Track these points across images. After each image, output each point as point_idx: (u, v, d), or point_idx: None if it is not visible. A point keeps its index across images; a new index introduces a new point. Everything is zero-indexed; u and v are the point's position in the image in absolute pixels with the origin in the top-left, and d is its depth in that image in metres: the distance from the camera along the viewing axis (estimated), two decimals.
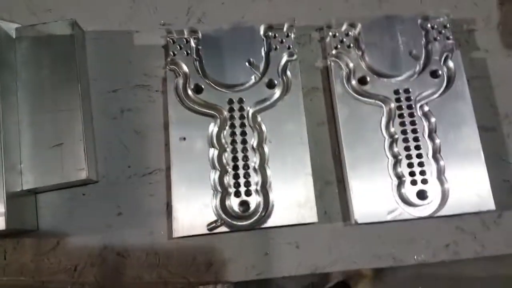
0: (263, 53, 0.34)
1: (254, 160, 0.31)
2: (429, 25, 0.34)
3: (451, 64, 0.33)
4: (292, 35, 0.34)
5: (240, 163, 0.31)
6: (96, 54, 0.35)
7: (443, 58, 0.33)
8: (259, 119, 0.32)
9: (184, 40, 0.34)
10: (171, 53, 0.33)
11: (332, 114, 0.34)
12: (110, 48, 0.35)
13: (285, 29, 0.34)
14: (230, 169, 0.31)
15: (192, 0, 0.36)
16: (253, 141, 0.32)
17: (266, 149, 0.32)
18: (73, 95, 0.32)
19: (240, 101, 0.33)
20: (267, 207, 0.31)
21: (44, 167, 0.31)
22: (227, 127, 0.32)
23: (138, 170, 0.33)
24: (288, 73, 0.33)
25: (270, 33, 0.34)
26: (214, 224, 0.30)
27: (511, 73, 0.35)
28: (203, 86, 0.33)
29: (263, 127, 0.32)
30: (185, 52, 0.33)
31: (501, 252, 0.32)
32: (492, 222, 0.32)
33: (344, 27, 0.34)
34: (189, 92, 0.33)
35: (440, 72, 0.33)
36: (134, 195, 0.32)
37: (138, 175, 0.33)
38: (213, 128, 0.32)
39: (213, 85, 0.33)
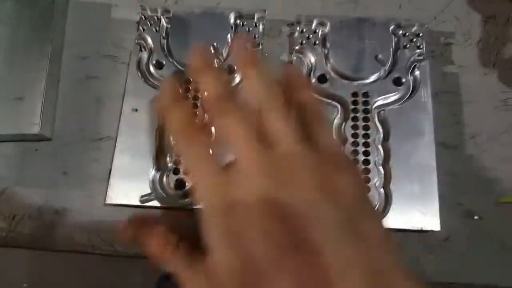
0: (229, 40, 0.34)
1: None
2: (401, 32, 0.33)
3: (417, 74, 0.32)
4: (261, 26, 0.34)
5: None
6: (75, 21, 0.36)
7: (410, 67, 0.32)
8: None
9: (155, 17, 0.35)
10: (141, 28, 0.34)
11: None
12: (89, 17, 0.36)
13: (255, 19, 0.34)
14: (172, 147, 0.31)
15: None
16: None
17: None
18: (43, 56, 0.34)
19: (188, 81, 0.33)
20: None
21: (2, 117, 0.33)
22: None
23: (90, 134, 0.34)
24: None
25: (239, 21, 0.34)
26: (147, 197, 0.30)
27: (485, 92, 0.33)
28: (164, 63, 0.34)
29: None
30: (154, 29, 0.34)
31: (445, 280, 0.30)
32: (437, 245, 0.30)
33: (313, 25, 0.34)
34: (151, 67, 0.34)
35: (404, 80, 0.32)
36: (82, 157, 0.33)
37: (89, 139, 0.33)
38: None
39: (175, 63, 0.34)
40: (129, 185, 0.30)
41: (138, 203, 0.30)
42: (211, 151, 0.20)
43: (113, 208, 0.31)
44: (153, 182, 0.30)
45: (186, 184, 0.30)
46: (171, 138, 0.31)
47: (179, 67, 0.33)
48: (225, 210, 0.18)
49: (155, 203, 0.30)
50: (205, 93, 0.21)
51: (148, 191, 0.30)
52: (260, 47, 0.34)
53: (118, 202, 0.30)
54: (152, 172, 0.31)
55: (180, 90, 0.32)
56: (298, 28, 0.34)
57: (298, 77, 0.25)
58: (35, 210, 0.32)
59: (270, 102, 0.20)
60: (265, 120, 0.20)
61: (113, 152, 0.32)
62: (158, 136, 0.31)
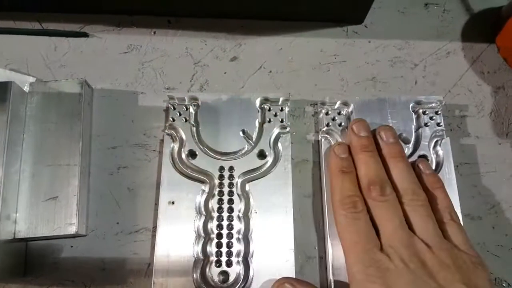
0: (257, 124, 0.35)
1: (238, 230, 0.32)
2: (420, 110, 0.35)
3: (440, 150, 0.34)
4: (286, 109, 0.36)
5: (225, 232, 0.32)
6: (101, 111, 0.37)
7: (432, 144, 0.34)
8: (247, 188, 0.33)
9: (184, 107, 0.35)
10: (171, 119, 0.35)
11: (319, 187, 0.34)
12: (115, 106, 0.37)
13: (280, 102, 0.36)
14: (214, 237, 0.32)
15: (197, 67, 0.38)
16: (240, 209, 0.33)
17: (251, 219, 0.32)
18: (73, 151, 0.34)
19: (231, 169, 0.34)
20: (246, 279, 0.31)
21: (37, 218, 0.32)
22: (215, 194, 0.33)
23: (125, 227, 0.34)
24: (279, 145, 0.35)
25: (265, 106, 0.36)
26: None
27: (501, 160, 0.35)
28: (197, 152, 0.34)
29: (251, 197, 0.33)
30: (184, 119, 0.35)
31: None
32: None
33: (337, 105, 0.36)
34: (183, 156, 0.34)
35: (429, 158, 0.34)
36: (119, 251, 0.33)
37: (125, 232, 0.34)
38: (202, 194, 0.33)
39: (207, 151, 0.34)
40: (173, 282, 0.31)
41: None
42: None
43: None
44: (196, 276, 0.31)
45: (229, 275, 0.31)
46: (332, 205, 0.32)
47: (211, 154, 0.34)
48: None
49: None
50: (362, 172, 0.30)
51: (192, 287, 0.31)
52: (287, 129, 0.35)
53: None
54: (194, 266, 0.31)
55: (214, 179, 0.33)
56: (323, 110, 0.35)
57: (434, 177, 0.31)
58: None
59: (416, 197, 0.29)
60: (410, 211, 0.28)
61: (152, 245, 0.32)
62: (197, 228, 0.32)
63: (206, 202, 0.33)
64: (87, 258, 0.33)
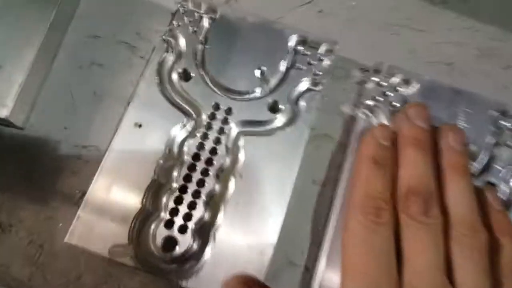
0: (282, 67, 0.26)
1: (209, 191, 0.23)
2: (506, 124, 0.25)
3: None
4: (327, 62, 0.26)
5: (192, 187, 0.23)
6: None
7: (510, 174, 0.24)
8: (240, 142, 0.25)
9: (197, 15, 0.27)
10: (174, 23, 0.26)
11: (336, 175, 0.25)
12: None
13: (321, 50, 0.27)
14: (176, 188, 0.23)
15: None
16: (221, 165, 0.24)
17: (231, 183, 0.24)
18: (43, 17, 0.26)
19: (228, 111, 0.25)
20: (198, 257, 0.22)
21: None
22: (197, 135, 0.24)
23: (73, 137, 0.26)
24: (302, 103, 0.25)
25: (300, 48, 0.26)
26: (121, 249, 0.22)
27: None
28: (192, 74, 0.26)
29: (241, 155, 0.24)
30: (191, 29, 0.26)
31: None
32: None
33: (395, 79, 0.26)
34: (174, 74, 0.26)
35: (498, 189, 0.24)
36: (54, 165, 0.25)
37: (70, 143, 0.25)
38: (181, 128, 0.24)
39: (205, 78, 0.26)
40: (103, 225, 0.22)
41: (106, 254, 0.22)
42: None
43: (74, 247, 0.23)
44: (133, 231, 0.23)
45: (178, 246, 0.23)
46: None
47: (210, 84, 0.25)
48: None
49: (128, 260, 0.22)
50: (403, 177, 0.20)
51: (125, 241, 0.22)
52: (319, 87, 0.26)
53: (81, 245, 0.22)
54: (137, 216, 0.23)
55: (203, 116, 0.25)
56: (374, 79, 0.26)
57: (505, 218, 0.22)
58: None
59: (472, 235, 0.19)
60: (458, 251, 0.19)
61: (96, 172, 0.24)
62: (159, 170, 0.23)
63: (183, 140, 0.24)
64: (14, 158, 0.25)
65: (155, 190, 0.23)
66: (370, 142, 0.22)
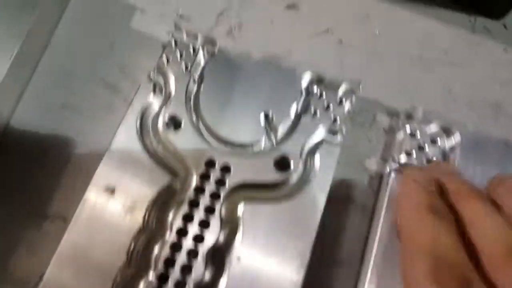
0: (293, 112, 0.21)
1: (196, 281, 0.18)
2: None
3: None
4: (347, 105, 0.22)
5: (174, 275, 0.18)
6: (75, 14, 0.24)
7: None
8: (239, 211, 0.20)
9: (192, 49, 0.22)
10: (164, 58, 0.22)
11: (360, 250, 0.20)
12: (97, 14, 0.24)
13: (340, 91, 0.22)
14: (151, 279, 0.18)
15: (233, 1, 0.25)
16: (213, 245, 0.19)
17: (226, 271, 0.18)
18: (3, 56, 0.21)
19: (225, 170, 0.20)
20: None
21: None
22: (183, 201, 0.19)
23: (34, 203, 0.21)
24: (318, 158, 0.21)
25: (315, 88, 0.22)
26: None
27: None
28: (182, 122, 0.21)
29: (240, 228, 0.19)
30: (184, 66, 0.22)
31: None
32: None
33: (432, 128, 0.21)
34: (160, 121, 0.21)
35: None
36: (5, 240, 0.20)
37: (29, 212, 0.21)
38: (164, 193, 0.20)
39: (199, 126, 0.21)
40: None
41: None
42: None
43: None
44: None
45: None
46: None
47: (204, 136, 0.21)
48: None
49: None
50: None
51: None
52: (339, 138, 0.21)
53: None
54: None
55: (193, 175, 0.20)
56: (407, 128, 0.21)
57: None
58: None
59: None
60: None
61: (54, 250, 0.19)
62: (133, 251, 0.18)
63: (165, 209, 0.19)
64: None
65: (127, 279, 0.18)
66: (414, 187, 0.16)
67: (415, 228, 0.15)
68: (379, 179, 0.21)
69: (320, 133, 0.21)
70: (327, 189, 0.20)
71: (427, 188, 0.16)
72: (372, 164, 0.21)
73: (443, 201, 0.16)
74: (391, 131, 0.22)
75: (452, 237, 0.14)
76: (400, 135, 0.21)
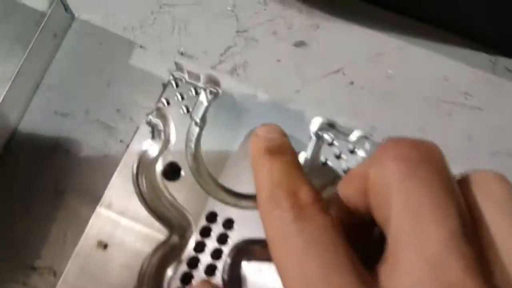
0: (302, 160, 0.20)
1: None
2: None
3: None
4: (361, 153, 0.20)
5: None
6: (71, 52, 0.23)
7: None
8: (244, 270, 0.18)
9: (193, 89, 0.21)
10: (163, 101, 0.21)
11: None
12: (94, 53, 0.23)
13: (353, 137, 0.20)
14: None
15: (239, 37, 0.24)
16: None
17: None
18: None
19: (228, 223, 0.18)
20: None
21: None
22: (182, 261, 0.18)
23: (22, 254, 0.19)
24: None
25: (326, 134, 0.20)
26: None
27: None
28: (182, 171, 0.19)
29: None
30: (185, 108, 0.20)
31: None
32: None
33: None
34: (157, 169, 0.19)
35: None
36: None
37: (16, 263, 0.19)
38: (158, 249, 0.18)
39: (200, 175, 0.19)
40: None
41: None
42: None
43: None
44: None
45: None
46: None
47: (206, 184, 0.19)
48: None
49: None
50: None
51: None
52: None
53: None
54: None
55: (192, 230, 0.18)
56: None
57: None
58: None
59: None
60: None
61: None
62: None
63: (162, 268, 0.18)
64: None
65: None
66: (255, 139, 0.16)
67: (256, 168, 0.15)
68: None
69: (330, 184, 0.19)
70: None
71: (267, 137, 0.16)
72: None
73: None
74: None
75: (286, 167, 0.14)
76: None
